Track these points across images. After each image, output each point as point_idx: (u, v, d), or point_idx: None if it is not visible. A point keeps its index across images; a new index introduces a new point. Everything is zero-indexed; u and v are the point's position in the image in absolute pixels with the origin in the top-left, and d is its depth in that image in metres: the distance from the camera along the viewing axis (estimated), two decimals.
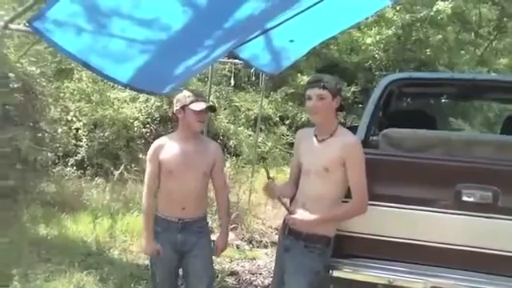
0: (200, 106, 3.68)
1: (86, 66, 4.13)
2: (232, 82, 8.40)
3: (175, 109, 3.77)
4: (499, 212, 3.32)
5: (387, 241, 3.49)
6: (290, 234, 3.39)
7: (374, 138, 4.10)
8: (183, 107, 3.71)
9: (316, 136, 3.40)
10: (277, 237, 7.18)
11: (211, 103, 3.73)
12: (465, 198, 3.38)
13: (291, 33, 6.12)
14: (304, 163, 3.42)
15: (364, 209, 3.27)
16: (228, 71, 11.79)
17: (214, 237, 6.51)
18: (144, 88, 4.79)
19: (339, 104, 3.35)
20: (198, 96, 3.78)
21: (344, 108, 3.53)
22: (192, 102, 3.69)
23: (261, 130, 11.65)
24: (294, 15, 5.52)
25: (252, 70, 7.58)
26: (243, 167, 9.53)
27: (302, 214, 3.31)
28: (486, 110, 16.19)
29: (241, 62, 7.42)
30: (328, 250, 3.37)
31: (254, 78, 11.80)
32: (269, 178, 3.47)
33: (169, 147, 3.72)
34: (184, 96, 3.76)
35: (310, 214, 3.30)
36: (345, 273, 3.48)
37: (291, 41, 6.56)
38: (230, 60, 7.96)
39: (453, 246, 3.40)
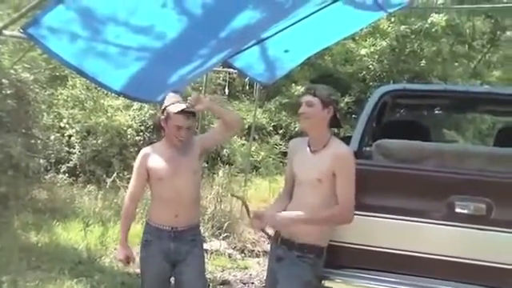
0: (178, 107, 3.64)
1: (80, 72, 4.11)
2: (226, 90, 8.39)
3: (160, 118, 3.80)
4: (492, 224, 3.32)
5: (380, 251, 3.48)
6: (283, 243, 3.37)
7: (368, 148, 4.09)
8: (167, 117, 3.71)
9: (309, 147, 3.38)
10: (269, 246, 7.22)
11: (190, 107, 3.65)
12: (458, 210, 3.38)
13: (286, 43, 6.13)
14: (297, 174, 3.41)
15: (348, 218, 3.23)
16: (223, 80, 11.79)
17: (206, 246, 6.53)
18: (137, 96, 4.79)
19: (332, 114, 3.30)
20: (177, 99, 3.75)
21: (341, 125, 3.50)
22: (171, 104, 3.70)
23: (254, 139, 11.65)
24: (290, 25, 5.53)
25: (246, 80, 7.59)
26: (236, 176, 9.51)
27: (282, 214, 3.28)
28: (478, 122, 16.23)
29: (235, 70, 7.43)
30: (320, 261, 3.35)
31: (248, 88, 11.82)
32: (248, 215, 3.41)
33: (156, 155, 3.70)
34: (166, 105, 3.77)
35: (304, 226, 3.28)
36: (336, 283, 3.47)
37: (286, 51, 6.57)
38: (225, 69, 7.97)
39: (446, 257, 3.39)
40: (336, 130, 3.76)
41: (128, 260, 3.73)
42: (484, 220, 3.34)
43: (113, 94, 10.96)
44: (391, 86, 4.94)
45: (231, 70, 7.70)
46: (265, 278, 5.86)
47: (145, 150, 3.79)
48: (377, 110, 4.44)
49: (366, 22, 8.12)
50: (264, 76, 7.06)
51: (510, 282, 3.30)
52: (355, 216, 3.36)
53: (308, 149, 3.38)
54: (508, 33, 17.92)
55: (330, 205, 3.31)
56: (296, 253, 3.31)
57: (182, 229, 3.69)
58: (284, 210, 3.42)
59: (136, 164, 3.75)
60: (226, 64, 6.84)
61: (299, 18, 5.37)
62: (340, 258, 3.52)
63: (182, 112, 3.63)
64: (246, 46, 5.55)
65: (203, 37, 4.34)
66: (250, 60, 6.43)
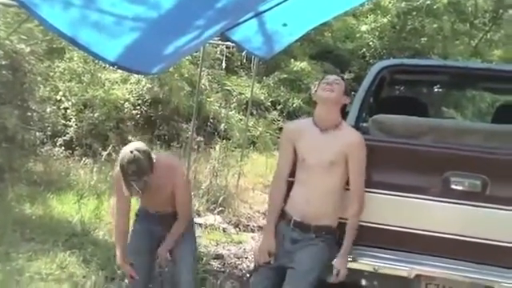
0: (127, 191, 3.47)
1: (73, 42, 4.01)
2: (223, 64, 8.30)
3: None
4: (487, 201, 3.28)
5: (374, 228, 3.44)
6: (296, 226, 3.37)
7: (364, 124, 4.04)
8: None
9: (317, 126, 3.36)
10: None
11: (137, 189, 3.45)
12: (453, 186, 3.33)
13: (285, 16, 6.05)
14: (306, 159, 3.37)
15: (363, 209, 3.38)
16: (220, 54, 11.69)
17: (201, 220, 6.53)
18: (131, 67, 4.68)
19: (344, 104, 3.45)
20: (123, 169, 3.45)
21: (347, 114, 3.57)
22: (121, 179, 3.48)
23: (252, 114, 11.59)
24: None
25: (244, 53, 7.50)
26: (233, 151, 9.48)
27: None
28: (478, 101, 16.19)
29: (232, 44, 7.33)
30: (334, 241, 3.39)
31: (245, 62, 11.72)
32: None
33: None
34: (119, 163, 3.50)
35: (317, 209, 3.33)
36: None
37: (284, 25, 6.48)
38: (222, 43, 7.87)
39: (440, 234, 3.34)
40: None
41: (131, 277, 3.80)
42: (479, 197, 3.29)
43: (110, 68, 10.98)
44: (389, 61, 4.85)
45: (229, 43, 7.59)
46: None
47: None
48: (374, 85, 4.38)
49: None
50: (262, 50, 6.98)
51: (503, 259, 3.27)
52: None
53: (316, 129, 3.36)
54: (510, 11, 17.75)
55: (341, 187, 3.37)
56: (313, 234, 3.33)
57: (164, 213, 3.80)
58: (290, 193, 3.42)
59: (115, 186, 3.71)
60: (224, 37, 6.74)
61: None
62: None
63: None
64: (243, 19, 5.45)
65: (199, 7, 4.25)
66: (247, 33, 6.34)
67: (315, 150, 3.33)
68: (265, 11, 5.74)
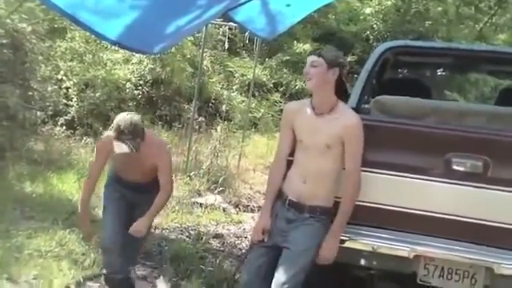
0: (120, 148, 3.59)
1: (75, 21, 4.01)
2: (226, 45, 8.24)
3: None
4: (489, 182, 3.25)
5: (374, 207, 3.41)
6: (292, 206, 3.35)
7: (366, 106, 4.00)
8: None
9: (314, 109, 3.31)
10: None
11: (131, 147, 3.57)
12: (455, 167, 3.30)
13: None
14: (303, 139, 3.34)
15: (358, 192, 3.31)
16: (223, 35, 11.62)
17: (201, 200, 6.52)
18: (133, 46, 4.65)
19: (337, 77, 3.27)
20: (117, 131, 3.59)
21: (346, 90, 3.42)
22: (112, 141, 3.63)
23: (254, 96, 11.54)
24: None
25: (246, 34, 7.45)
26: (234, 132, 9.46)
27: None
28: (481, 85, 16.07)
29: (235, 24, 7.29)
30: (330, 221, 3.36)
31: (248, 43, 11.65)
32: None
33: (111, 150, 3.73)
34: (113, 128, 3.66)
35: (312, 190, 3.30)
36: None
37: (288, 5, 6.44)
38: (225, 23, 7.82)
39: (440, 214, 3.32)
40: None
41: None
42: (480, 178, 3.27)
43: (112, 48, 10.95)
44: (393, 43, 4.81)
45: (231, 24, 7.55)
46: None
47: (107, 141, 3.76)
48: (377, 66, 4.34)
49: None
50: (265, 31, 6.94)
51: (503, 240, 3.25)
52: None
53: (312, 112, 3.31)
54: None
55: (338, 168, 3.32)
56: (307, 214, 3.30)
57: (141, 183, 3.89)
58: (287, 173, 3.41)
59: (97, 149, 3.98)
60: (227, 17, 6.70)
61: None
62: (334, 213, 3.47)
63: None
64: None
65: None
66: (250, 13, 6.30)
67: (311, 132, 3.30)
68: None
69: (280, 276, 3.17)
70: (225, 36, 11.33)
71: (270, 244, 3.37)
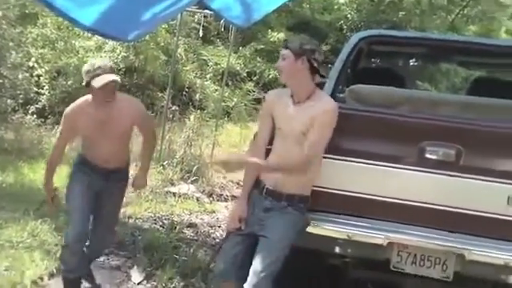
0: (106, 78, 3.50)
1: (50, 6, 3.93)
2: (201, 33, 8.19)
3: (85, 82, 3.62)
4: (461, 170, 3.29)
5: (349, 196, 3.43)
6: (269, 195, 3.33)
7: (341, 95, 4.01)
8: (87, 84, 3.57)
9: (292, 97, 3.31)
10: (238, 191, 7.19)
11: (114, 77, 3.55)
12: (428, 156, 3.33)
13: None
14: (282, 128, 3.33)
15: (305, 165, 3.23)
16: (197, 23, 11.54)
17: (175, 189, 6.49)
18: (107, 33, 4.57)
19: (309, 65, 3.22)
20: (100, 69, 3.55)
21: (318, 71, 3.37)
22: (93, 78, 3.52)
23: (227, 85, 11.51)
24: None
25: (222, 22, 7.41)
26: (207, 121, 9.42)
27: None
28: (452, 75, 16.30)
29: (211, 12, 7.23)
30: (306, 209, 3.36)
31: (222, 32, 11.60)
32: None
33: (84, 114, 3.63)
34: (85, 71, 3.59)
35: (290, 178, 3.28)
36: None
37: None
38: (200, 10, 7.76)
39: (413, 202, 3.35)
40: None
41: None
42: (453, 166, 3.31)
43: (85, 34, 10.80)
44: (367, 32, 4.81)
45: (207, 11, 7.49)
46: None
47: (74, 107, 3.70)
48: (352, 56, 4.34)
49: None
50: (240, 18, 6.86)
51: (475, 227, 3.30)
52: (327, 160, 3.35)
53: (291, 100, 3.31)
54: None
55: (317, 160, 3.30)
56: (285, 203, 3.29)
57: (111, 169, 3.78)
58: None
59: (64, 120, 3.74)
60: (202, 5, 6.63)
61: None
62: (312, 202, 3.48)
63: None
64: None
65: None
66: (227, 1, 6.24)
67: (288, 119, 3.28)
68: None
69: (257, 264, 3.17)
70: (199, 24, 11.24)
71: (246, 232, 3.36)
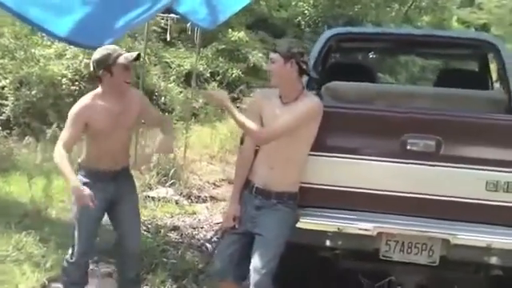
0: (127, 58, 3.52)
1: (24, 19, 3.95)
2: (168, 36, 8.22)
3: (100, 72, 3.57)
4: (442, 160, 3.47)
5: (336, 190, 3.57)
6: (258, 193, 3.44)
7: (314, 91, 4.13)
8: (109, 67, 3.52)
9: (280, 98, 3.41)
10: (215, 191, 7.31)
11: (133, 55, 3.57)
12: (409, 147, 3.49)
13: None
14: (270, 126, 3.42)
15: (258, 138, 3.38)
16: (158, 27, 11.52)
17: (153, 193, 6.52)
18: (82, 42, 4.62)
19: (297, 67, 3.32)
20: (118, 50, 3.60)
21: (307, 73, 3.49)
22: (117, 57, 3.51)
23: (191, 86, 11.53)
24: None
25: (188, 25, 7.47)
26: (175, 124, 9.43)
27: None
28: (410, 66, 16.72)
29: (172, 15, 7.28)
30: (296, 206, 3.48)
31: (182, 33, 11.63)
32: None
33: (97, 108, 3.56)
34: (104, 56, 3.54)
35: (278, 176, 3.39)
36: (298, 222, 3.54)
37: None
38: (165, 14, 7.78)
39: (399, 193, 3.51)
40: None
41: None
42: (434, 156, 3.48)
43: (44, 43, 10.66)
44: (336, 30, 4.96)
45: (173, 15, 7.52)
46: (214, 221, 6.04)
47: (84, 102, 3.61)
48: (323, 53, 4.48)
49: None
50: (206, 20, 6.95)
51: (457, 213, 3.48)
52: (313, 157, 3.47)
53: (279, 100, 3.41)
54: None
55: (305, 154, 3.44)
56: (275, 200, 3.40)
57: (120, 169, 3.74)
58: (253, 162, 3.51)
59: (73, 115, 3.56)
60: (168, 9, 6.68)
61: None
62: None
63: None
64: None
65: None
66: (193, 4, 6.33)
67: (276, 118, 3.37)
68: None
69: (257, 262, 3.27)
70: (160, 27, 11.26)
71: (241, 231, 3.47)
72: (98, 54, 3.58)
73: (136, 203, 3.91)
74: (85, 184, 3.54)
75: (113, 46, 3.64)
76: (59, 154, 3.48)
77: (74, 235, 3.70)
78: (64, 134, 3.56)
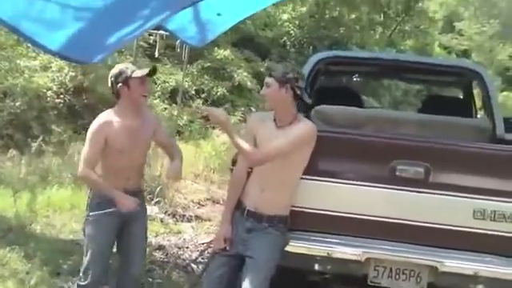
0: (142, 71, 3.67)
1: (16, 31, 3.93)
2: (156, 53, 8.24)
3: (118, 86, 3.66)
4: (430, 187, 3.52)
5: (326, 214, 3.59)
6: (250, 216, 3.45)
7: (302, 114, 4.17)
8: (126, 81, 3.63)
9: (275, 121, 3.44)
10: (200, 211, 7.28)
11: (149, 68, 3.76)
12: (398, 174, 3.55)
13: (219, 6, 6.10)
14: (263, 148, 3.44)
15: (252, 160, 3.37)
16: (145, 42, 11.53)
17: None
18: (73, 57, 4.61)
19: (292, 92, 3.35)
20: (134, 66, 3.78)
21: (302, 98, 3.52)
22: (133, 72, 3.67)
23: (176, 103, 11.52)
24: None
25: (177, 42, 7.49)
26: None
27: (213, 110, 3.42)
28: (394, 89, 16.93)
29: (166, 33, 7.29)
30: (286, 229, 3.50)
31: (178, 50, 11.64)
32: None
33: (114, 125, 3.63)
34: (120, 71, 3.70)
35: (270, 199, 3.41)
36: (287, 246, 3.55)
37: (219, 14, 6.53)
38: (155, 31, 7.80)
39: (388, 219, 3.56)
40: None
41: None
42: (422, 183, 3.53)
43: (29, 54, 10.59)
44: (324, 54, 5.03)
45: (162, 32, 7.53)
46: (199, 242, 6.01)
47: (104, 118, 3.68)
48: (311, 76, 4.54)
49: None
50: (195, 39, 6.99)
51: (446, 241, 3.53)
52: (305, 180, 3.50)
53: (273, 124, 3.44)
54: (420, 4, 18.63)
55: (297, 179, 3.47)
56: (266, 224, 3.42)
57: (133, 190, 3.73)
58: (245, 184, 3.53)
59: (93, 132, 3.64)
60: (158, 26, 6.70)
61: None
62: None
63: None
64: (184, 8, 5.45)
65: None
66: (182, 22, 6.35)
67: (270, 142, 3.40)
68: (200, 0, 5.75)
69: (247, 285, 3.27)
70: (147, 43, 11.29)
71: (232, 253, 3.47)
72: (115, 69, 3.76)
73: (145, 228, 3.93)
74: (98, 204, 3.64)
75: (128, 64, 3.83)
76: (85, 174, 3.61)
77: (85, 258, 3.71)
78: (86, 153, 3.64)
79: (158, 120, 4.00)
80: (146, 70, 3.70)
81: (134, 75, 3.63)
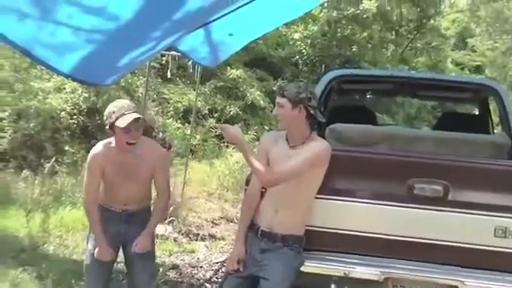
0: (130, 117, 3.50)
1: (29, 55, 3.93)
2: (169, 74, 8.26)
3: (107, 127, 3.63)
4: (449, 205, 3.46)
5: (343, 234, 3.54)
6: (264, 236, 3.40)
7: (315, 132, 4.13)
8: (111, 126, 3.56)
9: (287, 141, 3.40)
10: (214, 230, 7.24)
11: (138, 115, 3.57)
12: (417, 192, 3.49)
13: (230, 27, 6.11)
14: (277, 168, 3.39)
15: (265, 180, 3.30)
16: (157, 63, 11.61)
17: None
18: (85, 79, 4.61)
19: (306, 112, 3.31)
20: (124, 109, 3.58)
21: (315, 118, 3.46)
22: (117, 119, 3.53)
23: (189, 122, 11.56)
24: (234, 10, 5.51)
25: (189, 63, 7.51)
26: (173, 159, 9.41)
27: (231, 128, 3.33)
28: (407, 107, 16.86)
29: (178, 53, 7.32)
30: (302, 249, 3.43)
31: (190, 71, 11.72)
32: None
33: (108, 158, 3.62)
34: (109, 113, 3.59)
35: (284, 219, 3.35)
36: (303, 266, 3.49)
37: (230, 34, 6.54)
38: (167, 52, 7.84)
39: (406, 238, 3.49)
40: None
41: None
42: (441, 201, 3.46)
43: (43, 76, 10.69)
44: (337, 72, 5.00)
45: (174, 52, 7.57)
46: (213, 260, 5.96)
47: (97, 150, 3.68)
48: (325, 94, 4.51)
49: (305, 8, 8.23)
50: (207, 59, 7.01)
51: (466, 259, 3.45)
52: (321, 200, 3.45)
53: (286, 143, 3.40)
54: (432, 21, 18.64)
55: (311, 199, 3.41)
56: (280, 243, 3.36)
57: (133, 211, 3.72)
58: (259, 204, 3.48)
59: (89, 164, 3.67)
60: (170, 47, 6.72)
61: (244, 2, 5.35)
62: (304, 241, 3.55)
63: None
64: (195, 29, 5.47)
65: (157, 19, 4.24)
66: (194, 43, 6.36)
67: (283, 162, 3.34)
68: (212, 21, 5.77)
69: None
70: (159, 63, 11.34)
71: (245, 274, 3.41)
72: (108, 107, 3.64)
73: (144, 247, 3.78)
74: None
75: (123, 103, 3.65)
76: (87, 208, 3.70)
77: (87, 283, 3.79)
78: (86, 184, 3.70)
79: (163, 159, 3.85)
80: (129, 119, 3.51)
81: (116, 123, 3.51)
